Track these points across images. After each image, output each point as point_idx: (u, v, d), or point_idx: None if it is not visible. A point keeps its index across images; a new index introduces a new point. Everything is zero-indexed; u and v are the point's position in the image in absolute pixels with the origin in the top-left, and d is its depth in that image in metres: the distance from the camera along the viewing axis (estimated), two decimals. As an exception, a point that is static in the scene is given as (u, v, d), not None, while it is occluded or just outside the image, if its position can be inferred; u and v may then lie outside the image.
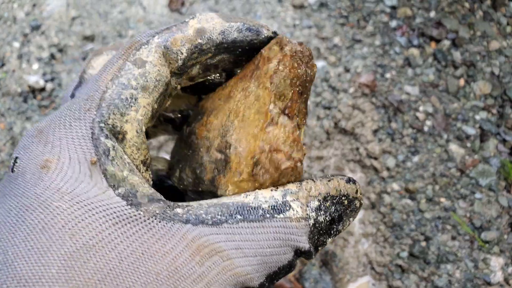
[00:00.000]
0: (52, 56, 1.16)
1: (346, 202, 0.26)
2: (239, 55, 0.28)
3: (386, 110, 1.08)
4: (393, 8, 1.24)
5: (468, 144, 1.04)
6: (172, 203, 0.23)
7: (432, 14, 1.23)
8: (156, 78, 0.25)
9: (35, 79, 1.10)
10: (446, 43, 1.17)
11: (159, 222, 0.21)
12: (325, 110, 1.08)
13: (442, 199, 0.97)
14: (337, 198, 0.26)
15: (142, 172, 0.25)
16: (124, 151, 0.23)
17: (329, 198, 0.25)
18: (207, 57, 0.27)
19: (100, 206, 0.21)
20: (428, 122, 1.07)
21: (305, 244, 0.24)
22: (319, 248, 0.27)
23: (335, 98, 1.09)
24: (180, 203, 0.23)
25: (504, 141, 1.03)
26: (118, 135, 0.23)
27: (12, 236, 0.19)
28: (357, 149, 1.03)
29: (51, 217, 0.20)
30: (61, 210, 0.20)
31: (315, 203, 0.25)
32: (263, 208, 0.23)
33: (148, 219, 0.21)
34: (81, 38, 1.19)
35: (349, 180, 0.27)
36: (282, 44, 0.25)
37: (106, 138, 0.23)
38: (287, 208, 0.24)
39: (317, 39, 1.19)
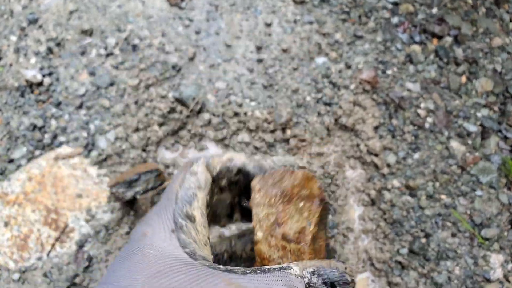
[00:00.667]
0: (50, 50, 1.16)
1: (337, 273, 0.36)
2: (250, 180, 0.48)
3: (387, 107, 1.09)
4: (395, 4, 1.25)
5: (469, 141, 1.04)
6: (215, 264, 0.36)
7: (435, 10, 1.23)
8: (204, 180, 0.42)
9: (32, 74, 1.10)
10: (448, 39, 1.17)
11: (208, 268, 0.34)
12: (325, 106, 1.08)
13: (443, 196, 0.98)
14: (329, 270, 0.37)
15: (204, 246, 0.39)
16: (196, 228, 0.38)
17: (321, 268, 0.37)
18: (231, 175, 0.48)
19: (172, 254, 0.35)
20: (429, 119, 1.07)
21: None
22: None
23: (335, 95, 1.09)
24: (220, 265, 0.36)
25: (505, 138, 1.04)
26: (191, 218, 0.38)
27: (121, 265, 0.34)
28: (358, 145, 1.04)
29: (143, 257, 0.35)
30: (150, 253, 0.35)
31: (310, 269, 0.36)
32: (274, 268, 0.36)
33: (201, 266, 0.34)
34: (79, 32, 1.19)
35: (339, 260, 0.39)
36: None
37: (181, 219, 0.38)
38: (290, 268, 0.36)
39: (318, 35, 1.19)
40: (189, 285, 0.31)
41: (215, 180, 0.46)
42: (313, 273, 0.36)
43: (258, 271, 0.34)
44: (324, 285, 0.35)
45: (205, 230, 0.39)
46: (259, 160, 0.48)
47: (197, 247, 0.37)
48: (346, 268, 0.38)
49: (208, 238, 0.40)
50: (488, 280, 0.89)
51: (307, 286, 0.35)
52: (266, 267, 0.35)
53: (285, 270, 0.35)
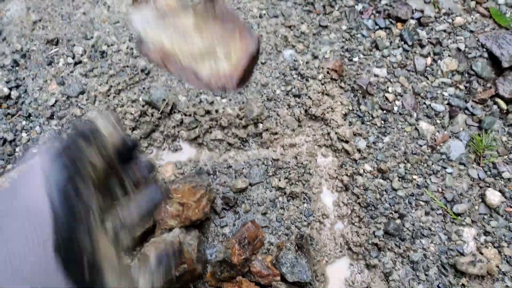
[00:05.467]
0: (16, 63, 1.19)
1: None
2: None
3: (355, 94, 1.14)
4: (358, -9, 1.30)
5: (438, 121, 1.10)
6: None
7: (397, -6, 1.29)
8: None
9: (-1, 87, 1.14)
10: (412, 22, 1.23)
11: None
12: (295, 98, 1.13)
13: (415, 176, 1.03)
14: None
15: None
16: None
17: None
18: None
19: None
20: (398, 102, 1.13)
21: None
22: None
23: (304, 86, 1.14)
24: None
25: (472, 115, 1.10)
26: None
27: None
28: (328, 134, 1.09)
29: None
30: None
31: None
32: None
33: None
34: (44, 42, 1.23)
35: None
36: None
37: None
38: None
39: (284, 28, 1.24)
40: None
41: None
42: None
43: None
44: None
45: None
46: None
47: None
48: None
49: None
50: (462, 254, 0.95)
51: None
52: None
53: None
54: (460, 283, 0.92)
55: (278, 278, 0.89)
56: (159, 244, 0.85)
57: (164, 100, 1.11)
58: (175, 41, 0.62)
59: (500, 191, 1.00)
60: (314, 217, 1.01)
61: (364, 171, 1.04)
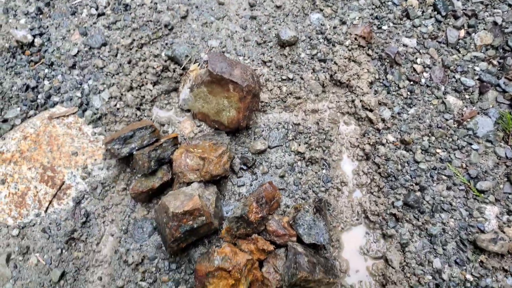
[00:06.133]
0: (40, 10, 1.15)
1: None
2: None
3: (383, 62, 1.07)
4: (393, -42, 1.21)
5: (467, 96, 1.03)
6: None
7: (433, -36, 1.20)
8: None
9: (22, 34, 1.09)
10: (447, -7, 1.14)
11: None
12: (320, 62, 1.07)
13: (438, 150, 0.98)
14: None
15: None
16: None
17: None
18: None
19: None
20: (426, 74, 1.06)
21: None
22: None
23: (330, 51, 1.08)
24: None
25: (504, 92, 1.03)
26: None
27: None
28: (353, 101, 1.03)
29: None
30: None
31: None
32: None
33: None
34: (70, -9, 1.17)
35: None
36: None
37: None
38: None
39: (313, -9, 1.17)
40: None
41: None
42: None
43: None
44: None
45: None
46: None
47: None
48: None
49: None
50: (483, 231, 0.89)
51: None
52: None
53: None
54: (479, 260, 0.87)
55: (294, 238, 0.85)
56: (178, 195, 0.82)
57: (187, 56, 1.06)
58: (204, 105, 0.97)
59: (527, 170, 0.94)
60: (332, 183, 0.96)
61: (387, 141, 0.99)
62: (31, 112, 1.03)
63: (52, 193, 0.95)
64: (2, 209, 0.93)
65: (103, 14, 1.15)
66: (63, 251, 0.91)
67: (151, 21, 1.14)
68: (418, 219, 0.92)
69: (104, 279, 0.89)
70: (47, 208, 0.94)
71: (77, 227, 0.92)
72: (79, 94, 1.05)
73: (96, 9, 1.16)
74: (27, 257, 0.91)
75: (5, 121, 1.02)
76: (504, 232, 0.89)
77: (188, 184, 0.89)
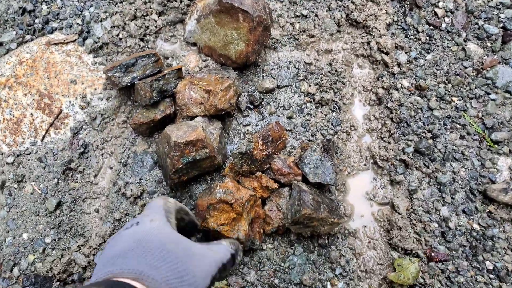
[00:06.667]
0: None
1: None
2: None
3: (402, 4, 0.98)
4: None
5: (489, 44, 0.95)
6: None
7: None
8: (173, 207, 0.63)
9: (21, -46, 0.99)
10: None
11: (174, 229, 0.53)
12: (337, 0, 0.97)
13: (454, 98, 0.90)
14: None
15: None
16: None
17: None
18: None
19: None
20: (447, 19, 0.97)
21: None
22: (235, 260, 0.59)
23: (348, -11, 0.98)
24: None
25: (527, 42, 0.94)
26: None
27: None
28: (368, 43, 0.94)
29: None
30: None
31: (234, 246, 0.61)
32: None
33: (173, 228, 0.54)
34: None
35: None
36: None
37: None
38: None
39: None
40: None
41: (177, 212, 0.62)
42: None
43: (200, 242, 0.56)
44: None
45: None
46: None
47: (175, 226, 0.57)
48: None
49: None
50: (493, 182, 0.84)
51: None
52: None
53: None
54: (487, 210, 0.82)
55: (299, 177, 0.79)
56: (181, 126, 0.75)
57: (195, -15, 0.96)
58: (211, 37, 0.88)
59: (545, 123, 0.87)
60: (341, 127, 0.89)
61: (401, 86, 0.91)
62: (28, 37, 0.94)
63: (49, 122, 0.88)
64: (-4, 134, 0.87)
65: None
66: (60, 181, 0.85)
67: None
68: (428, 167, 0.86)
69: (102, 211, 0.84)
70: (43, 136, 0.87)
71: (75, 158, 0.86)
72: (79, 22, 0.96)
73: None
74: (22, 186, 0.85)
75: (0, 44, 0.94)
76: (515, 184, 0.83)
77: (192, 118, 0.82)
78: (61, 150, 0.87)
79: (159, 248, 0.47)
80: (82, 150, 0.86)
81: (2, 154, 0.86)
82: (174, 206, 0.58)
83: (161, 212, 0.54)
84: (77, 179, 0.85)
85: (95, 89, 0.90)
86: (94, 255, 0.79)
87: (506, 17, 0.96)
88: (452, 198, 0.84)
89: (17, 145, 0.87)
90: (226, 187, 0.70)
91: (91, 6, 0.98)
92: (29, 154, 0.87)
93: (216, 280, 0.54)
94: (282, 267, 0.79)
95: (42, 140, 0.87)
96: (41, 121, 0.87)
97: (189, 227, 0.63)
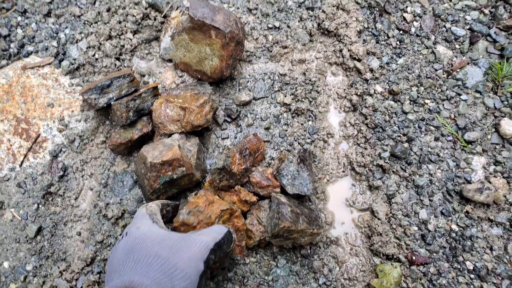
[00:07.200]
0: (11, -45, 1.00)
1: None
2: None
3: (372, 11, 0.96)
4: None
5: (457, 46, 0.94)
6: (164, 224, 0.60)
7: None
8: (156, 208, 0.65)
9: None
10: None
11: (161, 227, 0.57)
12: (308, 10, 0.96)
13: (427, 101, 0.89)
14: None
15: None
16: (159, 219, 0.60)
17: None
18: (165, 207, 0.70)
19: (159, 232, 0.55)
20: (416, 23, 0.96)
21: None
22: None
23: (318, -1, 0.96)
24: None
25: (494, 42, 0.93)
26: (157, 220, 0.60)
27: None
28: (341, 50, 0.92)
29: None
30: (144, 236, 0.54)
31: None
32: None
33: (161, 227, 0.57)
34: None
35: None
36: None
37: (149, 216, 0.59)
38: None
39: None
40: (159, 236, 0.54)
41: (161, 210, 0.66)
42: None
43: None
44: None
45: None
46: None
47: (160, 218, 0.60)
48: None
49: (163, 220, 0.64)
50: (469, 182, 0.82)
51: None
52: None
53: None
54: (464, 210, 0.81)
55: (278, 189, 0.77)
56: (157, 145, 0.72)
57: (168, 3, 0.94)
58: (186, 54, 0.85)
59: (516, 121, 0.86)
60: (318, 135, 0.87)
61: (374, 92, 0.89)
62: (3, 62, 0.91)
63: (27, 146, 0.84)
64: (-26, 162, 0.83)
65: (79, -40, 1.01)
66: (40, 206, 0.82)
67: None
68: (405, 170, 0.84)
69: (83, 234, 0.81)
70: (22, 162, 0.84)
71: (54, 181, 0.83)
72: (55, 44, 0.93)
73: (72, -45, 1.02)
74: (1, 213, 0.82)
75: (-25, 71, 0.90)
76: (490, 182, 0.82)
77: (169, 135, 0.79)
78: (40, 175, 0.83)
79: (146, 255, 0.50)
80: (61, 173, 0.83)
81: (-20, 181, 0.83)
82: (156, 206, 0.62)
83: (146, 217, 0.57)
84: (57, 203, 0.82)
85: (73, 111, 0.87)
86: (76, 279, 0.76)
87: (472, 19, 0.95)
88: (430, 200, 0.82)
89: (-4, 171, 0.83)
90: (195, 204, 0.67)
91: (66, 28, 0.95)
92: (7, 180, 0.84)
93: (214, 262, 0.55)
94: (266, 280, 0.76)
95: (20, 165, 0.84)
96: (19, 146, 0.84)
97: (177, 212, 0.68)
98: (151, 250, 0.50)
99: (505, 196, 0.80)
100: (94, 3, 0.96)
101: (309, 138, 0.87)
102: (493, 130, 0.86)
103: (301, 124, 0.88)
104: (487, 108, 0.88)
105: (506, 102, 0.88)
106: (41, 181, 0.83)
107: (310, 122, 0.88)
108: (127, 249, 0.52)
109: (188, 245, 0.52)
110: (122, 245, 0.52)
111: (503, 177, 0.82)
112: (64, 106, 0.87)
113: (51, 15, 0.96)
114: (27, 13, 0.95)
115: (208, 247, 0.53)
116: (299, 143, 0.86)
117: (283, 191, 0.77)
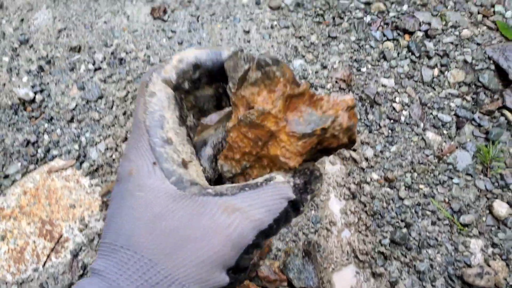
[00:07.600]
0: (41, 68, 1.11)
1: (309, 173, 0.34)
2: (211, 70, 0.37)
3: (363, 103, 1.03)
4: (367, 4, 1.19)
5: (445, 131, 0.99)
6: (205, 186, 0.32)
7: (405, 7, 1.18)
8: (166, 97, 0.34)
9: (24, 91, 1.06)
10: (419, 34, 1.12)
11: (198, 197, 0.30)
12: (304, 105, 1.03)
13: (421, 186, 0.92)
14: (303, 171, 0.34)
15: (190, 162, 0.34)
16: (176, 150, 0.33)
17: (298, 171, 0.34)
18: (189, 74, 0.36)
19: (161, 191, 0.30)
20: (405, 112, 1.02)
21: (292, 195, 0.32)
22: (304, 204, 0.34)
23: (313, 94, 1.04)
24: (210, 186, 0.32)
25: (479, 126, 0.98)
26: (168, 142, 0.32)
27: (118, 210, 0.31)
28: (337, 141, 0.98)
29: (135, 201, 0.30)
30: (140, 196, 0.30)
31: (291, 173, 0.34)
32: (260, 182, 0.32)
33: (191, 196, 0.30)
34: (68, 49, 1.14)
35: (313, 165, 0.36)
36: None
37: (158, 147, 0.32)
38: (274, 178, 0.33)
39: (294, 38, 1.14)
40: (188, 222, 0.29)
41: (178, 88, 0.36)
42: (293, 176, 0.34)
43: (246, 188, 0.31)
44: (304, 184, 0.34)
45: (186, 146, 0.35)
46: (213, 47, 0.37)
47: (183, 171, 0.32)
48: (315, 166, 0.37)
49: (193, 152, 0.36)
50: (469, 265, 0.83)
51: (293, 189, 0.33)
52: (253, 181, 0.33)
53: (270, 181, 0.32)
54: (467, 296, 0.81)
55: (285, 283, 0.79)
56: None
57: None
58: None
59: (507, 202, 0.88)
60: (321, 224, 0.90)
61: (371, 180, 0.93)
62: (31, 167, 0.98)
63: (50, 247, 0.89)
64: (1, 265, 0.87)
65: (100, 68, 1.12)
66: (62, 304, 0.85)
67: (144, 73, 1.10)
68: (405, 256, 0.86)
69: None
70: (45, 262, 0.88)
71: (75, 280, 0.86)
72: (76, 147, 1.01)
73: (93, 64, 1.13)
74: (25, 313, 0.84)
75: (6, 177, 0.97)
76: (489, 266, 0.83)
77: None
78: (61, 274, 0.87)
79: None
80: (81, 272, 0.87)
81: (6, 284, 0.87)
82: (167, 96, 0.34)
83: (146, 148, 0.32)
84: (77, 302, 0.85)
85: (92, 211, 0.92)
86: None
87: (456, 106, 1.01)
88: (432, 285, 0.83)
89: (20, 273, 0.87)
90: None
91: (87, 131, 1.03)
92: (31, 281, 0.87)
93: (258, 248, 0.32)
94: None
95: (43, 265, 0.88)
96: (43, 247, 0.89)
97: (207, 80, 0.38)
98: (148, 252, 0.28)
99: (505, 279, 0.81)
100: (112, 107, 1.05)
101: (312, 227, 0.90)
102: (487, 211, 0.89)
103: (305, 214, 0.91)
104: (479, 190, 0.91)
105: (496, 184, 0.91)
106: (62, 281, 0.86)
107: (313, 212, 0.92)
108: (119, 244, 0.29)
109: (205, 233, 0.29)
110: (112, 205, 0.32)
111: (502, 259, 0.83)
112: (84, 206, 0.92)
113: (74, 120, 1.04)
114: (53, 120, 1.04)
115: (241, 244, 0.29)
116: (303, 233, 0.89)
117: (290, 284, 0.79)
